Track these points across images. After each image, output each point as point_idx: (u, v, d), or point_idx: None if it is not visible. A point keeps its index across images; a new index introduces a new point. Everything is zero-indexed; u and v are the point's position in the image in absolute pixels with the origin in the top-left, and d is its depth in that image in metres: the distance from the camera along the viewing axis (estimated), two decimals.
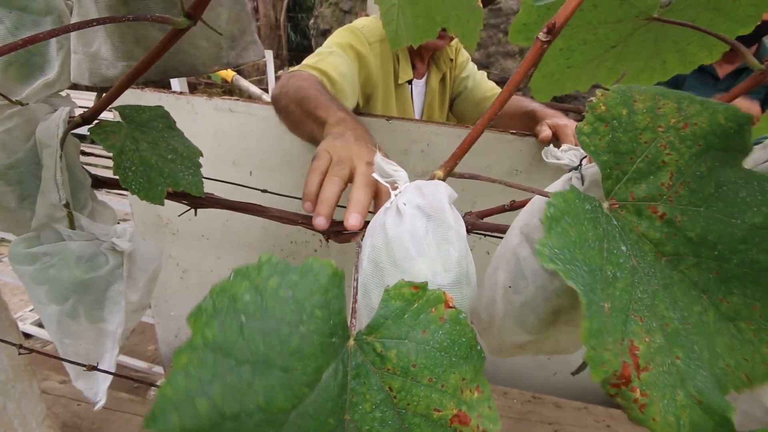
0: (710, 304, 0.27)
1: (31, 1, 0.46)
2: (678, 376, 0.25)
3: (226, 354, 0.24)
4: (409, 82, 1.07)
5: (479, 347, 0.28)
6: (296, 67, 0.86)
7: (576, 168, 0.37)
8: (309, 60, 0.87)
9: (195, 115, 1.03)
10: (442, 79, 1.13)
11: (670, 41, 0.45)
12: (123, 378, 0.64)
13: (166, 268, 1.23)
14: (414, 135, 0.92)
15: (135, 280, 0.49)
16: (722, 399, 0.26)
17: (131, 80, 0.39)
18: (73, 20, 0.50)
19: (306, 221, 0.49)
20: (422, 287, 0.28)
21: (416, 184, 0.33)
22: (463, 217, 0.45)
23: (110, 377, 0.50)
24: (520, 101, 1.02)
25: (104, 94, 0.43)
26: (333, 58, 0.87)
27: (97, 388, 0.51)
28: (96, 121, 0.45)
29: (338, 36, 0.96)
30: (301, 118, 0.68)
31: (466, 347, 0.28)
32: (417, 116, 1.12)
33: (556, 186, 0.37)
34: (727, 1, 0.41)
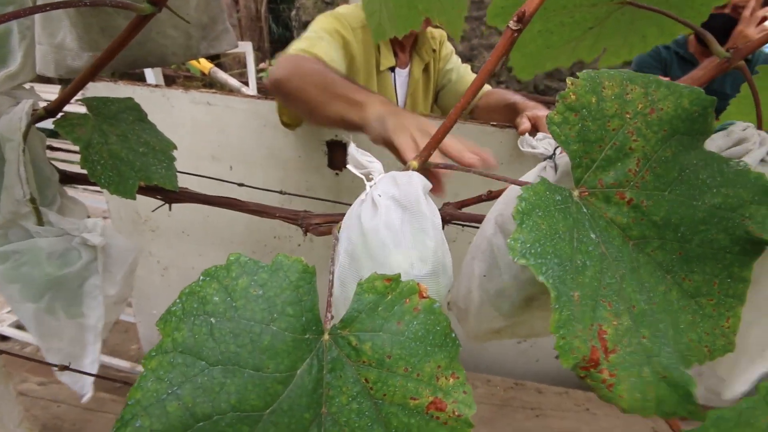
0: (674, 282, 0.28)
1: None
2: (644, 354, 0.26)
3: (196, 356, 0.24)
4: (392, 69, 1.06)
5: (454, 335, 0.28)
6: (289, 52, 0.84)
7: (550, 157, 0.38)
8: (300, 44, 0.86)
9: (171, 109, 1.00)
10: (426, 70, 1.12)
11: (646, 19, 0.45)
12: (104, 378, 0.62)
13: (147, 266, 1.21)
14: None
15: (111, 273, 0.48)
16: (685, 374, 0.27)
17: (96, 70, 0.38)
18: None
19: (284, 215, 0.48)
20: (395, 279, 0.27)
21: (391, 175, 0.32)
22: (442, 208, 0.45)
23: (95, 368, 0.49)
24: (502, 94, 1.02)
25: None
26: (323, 44, 0.87)
27: (83, 381, 0.51)
28: (61, 114, 0.43)
29: (323, 22, 0.95)
30: (327, 101, 0.68)
31: (440, 336, 0.28)
32: (400, 105, 1.12)
33: (530, 175, 0.38)
34: None
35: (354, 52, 0.96)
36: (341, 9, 0.99)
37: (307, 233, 0.47)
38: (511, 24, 0.26)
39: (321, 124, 0.76)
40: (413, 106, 1.14)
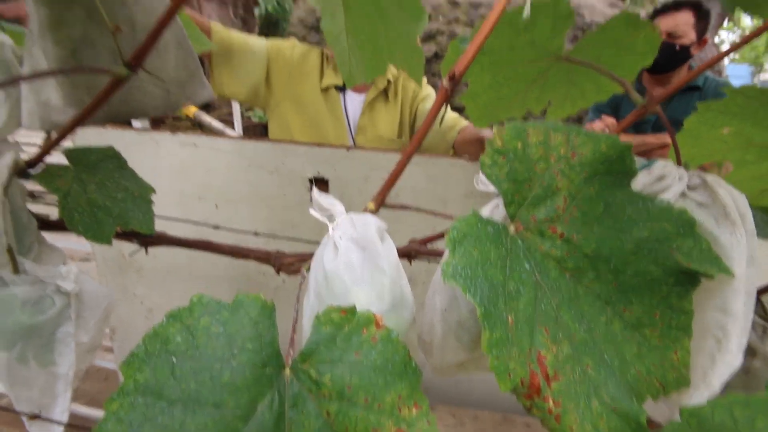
0: (614, 314, 0.29)
1: None
2: (590, 385, 0.27)
3: (157, 396, 0.25)
4: (341, 90, 1.17)
5: (414, 364, 0.29)
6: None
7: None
8: None
9: (159, 151, 1.03)
10: (385, 95, 1.22)
11: (582, 74, 0.50)
12: (78, 428, 0.61)
13: (131, 308, 1.19)
14: (373, 162, 0.95)
15: (85, 320, 0.48)
16: (635, 404, 0.27)
17: (75, 125, 0.41)
18: (24, 70, 0.51)
19: (258, 255, 0.50)
20: (350, 311, 0.29)
21: (349, 218, 0.35)
22: (408, 245, 0.48)
23: (65, 417, 0.48)
24: (473, 129, 1.09)
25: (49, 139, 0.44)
26: (245, 35, 1.05)
27: None
28: (42, 165, 0.45)
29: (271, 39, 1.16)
30: None
31: (400, 365, 0.29)
32: (349, 128, 1.22)
33: (484, 212, 0.40)
34: (624, 38, 0.46)
35: (290, 58, 1.14)
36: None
37: (280, 272, 0.48)
38: (444, 83, 0.29)
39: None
40: (372, 127, 1.23)
